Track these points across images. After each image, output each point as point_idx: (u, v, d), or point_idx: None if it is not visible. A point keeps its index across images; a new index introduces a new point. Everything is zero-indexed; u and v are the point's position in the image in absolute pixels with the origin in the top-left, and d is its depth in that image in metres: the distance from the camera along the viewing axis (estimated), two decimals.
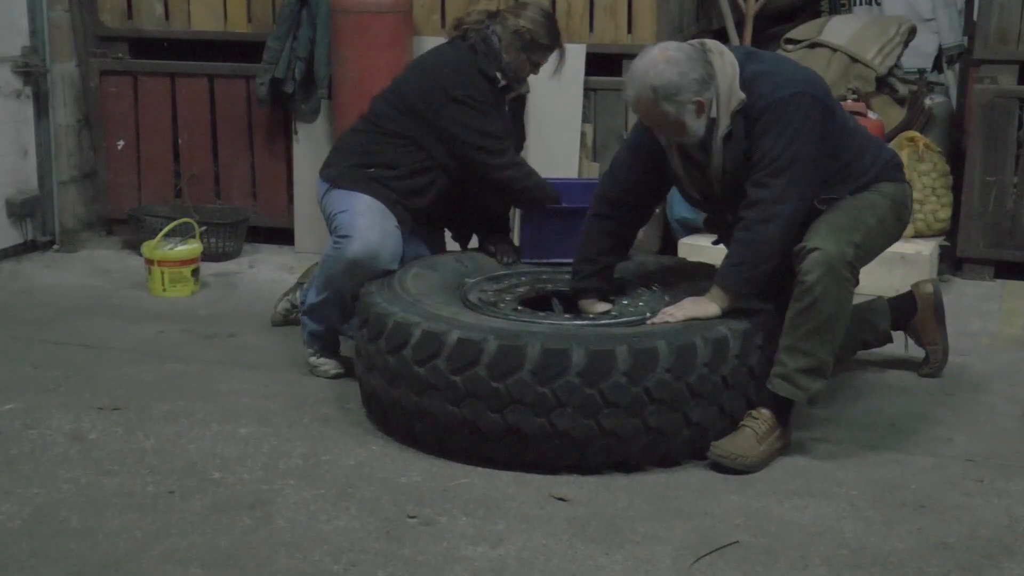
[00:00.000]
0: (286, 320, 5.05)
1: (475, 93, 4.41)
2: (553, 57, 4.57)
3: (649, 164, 4.11)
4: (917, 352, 4.65)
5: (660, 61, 3.81)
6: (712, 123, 3.86)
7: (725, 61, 3.86)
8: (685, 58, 3.82)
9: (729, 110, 3.84)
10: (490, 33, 4.46)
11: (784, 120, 3.77)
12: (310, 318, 4.51)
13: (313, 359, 4.54)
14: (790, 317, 3.82)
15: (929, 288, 4.59)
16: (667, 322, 3.84)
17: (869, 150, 4.05)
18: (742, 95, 3.82)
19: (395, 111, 4.49)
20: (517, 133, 4.72)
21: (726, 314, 3.87)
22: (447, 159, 4.46)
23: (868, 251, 3.97)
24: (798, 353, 3.81)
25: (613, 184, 4.19)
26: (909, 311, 4.58)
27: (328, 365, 4.52)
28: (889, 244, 4.17)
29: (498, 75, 4.46)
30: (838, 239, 3.80)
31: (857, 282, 3.89)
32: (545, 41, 4.50)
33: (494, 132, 4.45)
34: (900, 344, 4.65)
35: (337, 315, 4.47)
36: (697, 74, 3.81)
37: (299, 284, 5.07)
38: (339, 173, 4.50)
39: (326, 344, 4.54)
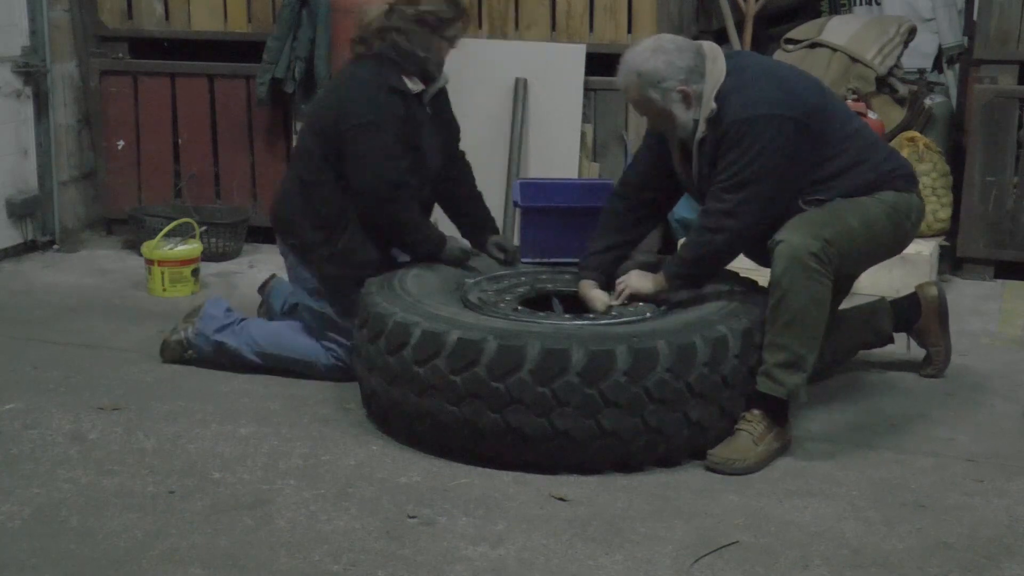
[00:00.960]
0: (182, 358, 4.63)
1: (378, 112, 4.23)
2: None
3: (660, 158, 4.18)
4: (918, 352, 4.65)
5: (649, 49, 3.94)
6: (695, 124, 3.95)
7: (717, 67, 3.93)
8: (675, 48, 3.93)
9: (704, 116, 3.92)
10: (396, 35, 4.28)
11: (746, 141, 3.84)
12: (219, 353, 4.54)
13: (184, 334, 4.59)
14: (767, 314, 3.86)
15: (933, 291, 4.58)
16: (624, 298, 4.10)
17: (870, 159, 4.03)
18: (714, 105, 3.89)
19: (314, 142, 4.34)
20: (447, 130, 4.55)
21: (726, 315, 3.88)
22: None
23: (846, 250, 3.90)
24: (774, 348, 3.83)
25: (631, 173, 4.33)
26: (913, 314, 4.56)
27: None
28: (883, 252, 4.15)
29: (408, 84, 4.29)
30: (804, 232, 3.84)
31: (829, 275, 3.84)
32: (450, 14, 4.30)
33: (389, 153, 4.24)
34: (901, 344, 4.66)
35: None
36: (684, 63, 3.90)
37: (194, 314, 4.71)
38: (319, 259, 4.37)
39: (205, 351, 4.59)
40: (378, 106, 4.24)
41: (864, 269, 4.35)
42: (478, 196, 4.70)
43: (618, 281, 4.15)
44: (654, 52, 3.91)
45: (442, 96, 4.52)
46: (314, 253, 4.38)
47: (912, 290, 4.65)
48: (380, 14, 4.34)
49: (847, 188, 3.98)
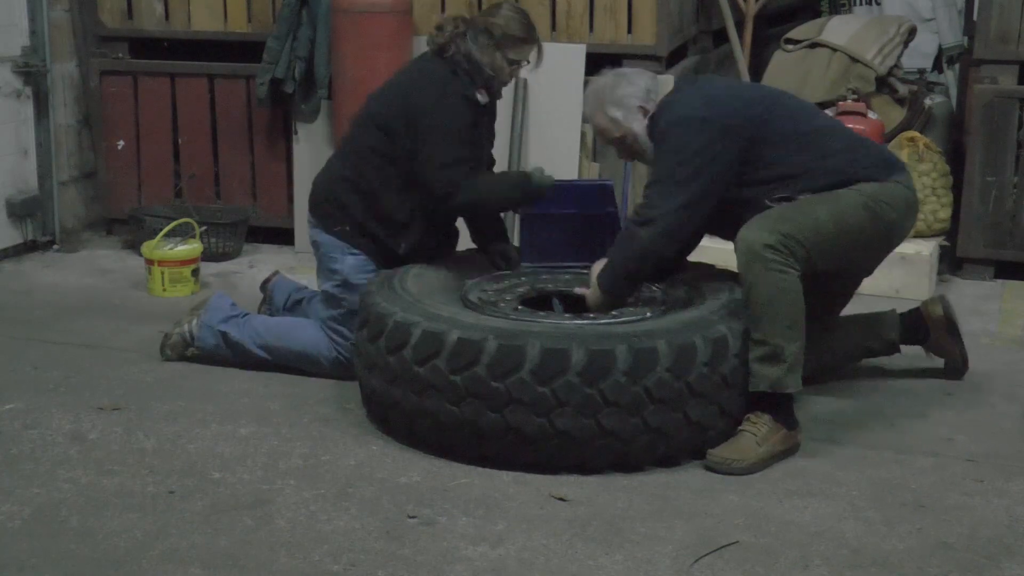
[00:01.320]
0: (184, 355, 4.66)
1: (449, 114, 4.27)
2: (532, 54, 4.47)
3: None
4: (930, 355, 4.63)
5: (610, 75, 4.23)
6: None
7: (664, 91, 4.16)
8: (634, 72, 4.27)
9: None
10: (469, 43, 4.33)
11: (665, 143, 4.04)
12: (223, 345, 4.57)
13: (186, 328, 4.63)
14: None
15: (939, 311, 4.52)
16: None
17: (836, 154, 4.03)
18: (647, 122, 4.11)
19: (376, 139, 4.37)
20: (491, 141, 4.61)
21: (726, 315, 3.88)
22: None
23: (812, 242, 3.89)
24: (753, 344, 3.85)
25: None
26: (921, 333, 4.53)
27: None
28: (862, 241, 4.06)
29: (478, 96, 4.35)
30: (760, 226, 3.89)
31: (792, 265, 3.84)
32: (519, 34, 4.36)
33: (456, 154, 4.27)
34: (906, 348, 4.62)
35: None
36: (643, 83, 4.17)
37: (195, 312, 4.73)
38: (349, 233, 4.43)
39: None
40: (453, 112, 4.27)
41: (854, 266, 4.26)
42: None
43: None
44: (615, 76, 4.20)
45: (493, 107, 4.58)
46: (374, 244, 4.41)
47: (917, 305, 4.59)
48: (456, 19, 4.40)
49: (815, 184, 3.99)
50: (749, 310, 3.86)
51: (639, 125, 4.11)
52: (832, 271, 4.09)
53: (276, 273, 5.07)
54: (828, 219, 3.93)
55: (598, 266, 4.15)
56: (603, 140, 4.35)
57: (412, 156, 4.30)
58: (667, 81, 4.25)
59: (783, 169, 4.00)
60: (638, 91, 4.13)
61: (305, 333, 4.50)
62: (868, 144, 4.23)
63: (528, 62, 4.46)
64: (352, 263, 4.42)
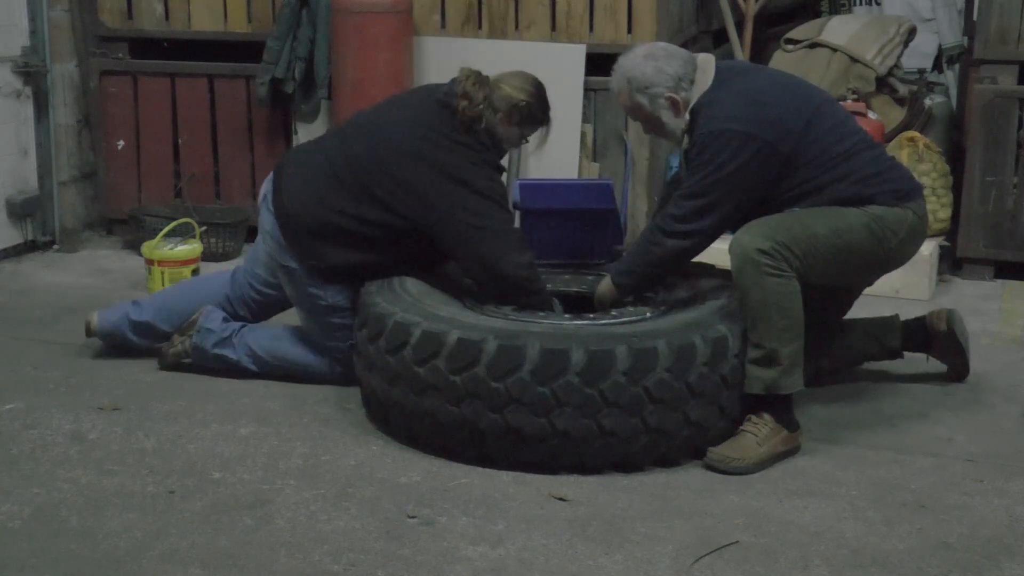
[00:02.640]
0: (177, 364, 4.56)
1: (497, 186, 4.16)
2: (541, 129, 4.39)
3: None
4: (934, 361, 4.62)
5: (641, 55, 4.04)
6: (683, 134, 4.05)
7: (704, 79, 4.02)
8: (665, 55, 4.03)
9: (683, 128, 4.04)
10: (489, 113, 4.16)
11: (708, 153, 3.91)
12: (218, 365, 4.50)
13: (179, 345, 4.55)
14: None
15: (943, 327, 4.47)
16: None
17: (857, 174, 3.98)
18: (687, 117, 4.00)
19: (384, 196, 4.13)
20: None
21: (726, 315, 3.89)
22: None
23: (806, 253, 3.86)
24: (749, 346, 3.84)
25: (671, 183, 4.49)
26: (923, 342, 4.52)
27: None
28: (859, 261, 4.03)
29: (502, 161, 4.32)
30: (755, 232, 3.87)
31: (785, 270, 3.81)
32: (540, 116, 4.29)
33: (516, 232, 4.16)
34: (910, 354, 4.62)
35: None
36: (673, 71, 3.99)
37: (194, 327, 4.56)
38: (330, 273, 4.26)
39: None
40: (492, 179, 4.16)
41: (850, 281, 4.26)
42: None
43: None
44: (645, 58, 4.01)
45: None
46: (341, 279, 4.27)
47: (923, 315, 4.56)
48: (477, 82, 4.19)
49: (823, 200, 3.96)
50: (744, 313, 3.86)
51: (666, 114, 4.02)
52: (825, 286, 4.07)
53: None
54: (826, 235, 3.91)
55: (600, 286, 4.16)
56: (628, 114, 4.25)
57: (450, 239, 4.12)
58: (707, 63, 4.04)
59: (805, 188, 3.96)
60: (667, 80, 3.98)
61: (301, 349, 4.44)
62: (893, 167, 4.14)
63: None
64: (335, 289, 4.27)
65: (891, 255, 4.09)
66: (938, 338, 4.49)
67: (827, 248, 3.92)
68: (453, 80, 4.24)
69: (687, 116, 4.00)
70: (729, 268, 4.20)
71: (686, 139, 4.04)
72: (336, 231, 4.21)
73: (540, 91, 4.28)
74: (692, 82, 4.00)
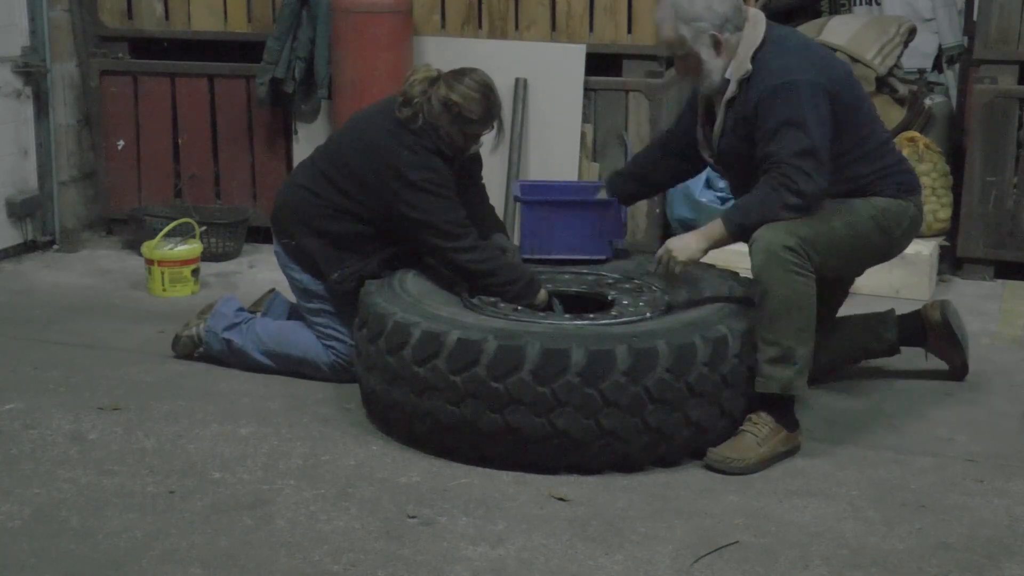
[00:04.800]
0: (192, 355, 4.68)
1: (434, 177, 4.19)
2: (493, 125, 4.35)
3: (691, 118, 4.28)
4: (933, 360, 4.61)
5: None
6: (725, 83, 3.95)
7: (756, 29, 3.94)
8: None
9: (737, 76, 3.92)
10: (430, 110, 4.20)
11: (790, 97, 3.82)
12: (227, 351, 4.58)
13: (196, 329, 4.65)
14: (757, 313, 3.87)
15: (937, 316, 4.49)
16: (662, 266, 4.04)
17: (871, 159, 4.02)
18: (749, 66, 3.90)
19: (345, 184, 4.31)
20: (469, 195, 4.44)
21: (726, 315, 3.89)
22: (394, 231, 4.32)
23: (825, 249, 3.87)
24: (764, 344, 3.83)
25: (678, 126, 4.46)
26: (918, 335, 4.53)
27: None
28: (865, 253, 4.09)
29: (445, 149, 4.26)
30: (779, 229, 3.83)
31: (808, 268, 3.82)
32: (475, 117, 4.20)
33: (454, 219, 4.19)
34: (906, 349, 4.61)
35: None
36: (723, 10, 3.92)
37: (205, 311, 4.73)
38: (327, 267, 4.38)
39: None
40: (430, 164, 4.20)
41: (851, 273, 4.33)
42: (482, 194, 4.60)
43: (658, 254, 4.07)
44: None
45: (472, 162, 4.47)
46: (311, 262, 4.41)
47: (918, 308, 4.58)
48: (426, 79, 4.25)
49: (843, 188, 3.97)
50: (763, 310, 3.83)
51: (706, 52, 3.92)
52: (830, 278, 4.09)
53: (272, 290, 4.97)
54: (842, 230, 3.93)
55: (681, 245, 4.00)
56: (665, 50, 4.14)
57: (401, 218, 4.22)
58: (758, 16, 3.96)
59: (838, 164, 3.92)
60: (715, 17, 3.89)
61: (303, 337, 4.50)
62: (901, 160, 4.18)
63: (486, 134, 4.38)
64: (308, 275, 4.45)
65: (892, 246, 4.15)
66: (933, 329, 4.50)
67: (843, 243, 3.94)
68: None
69: (750, 66, 3.88)
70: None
71: (732, 88, 3.92)
72: (307, 211, 4.39)
73: (484, 91, 4.22)
74: (739, 27, 3.92)
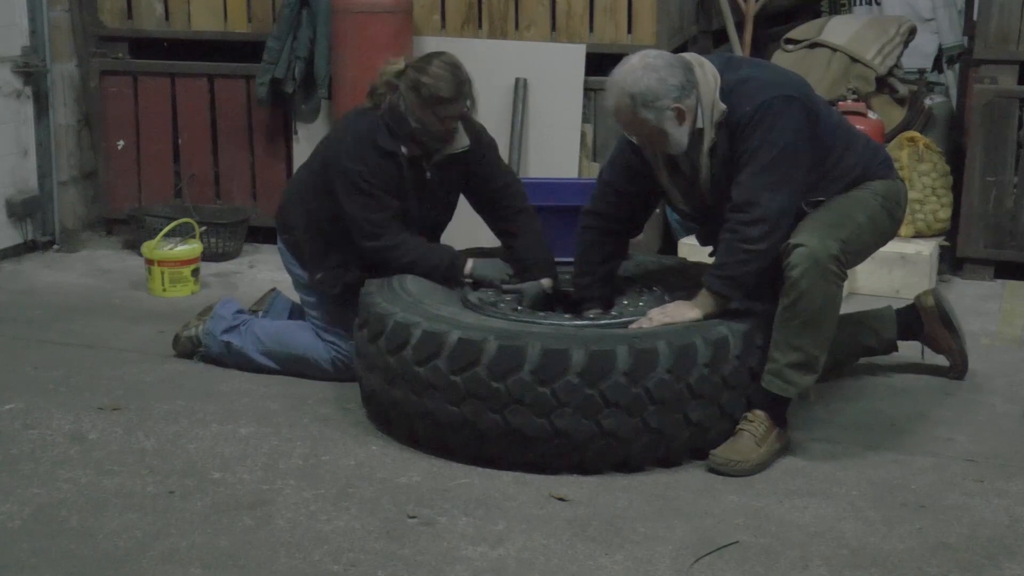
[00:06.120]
0: (191, 354, 4.70)
1: (364, 172, 4.22)
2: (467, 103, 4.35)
3: (635, 180, 4.13)
4: (931, 357, 4.61)
5: (638, 68, 3.83)
6: (698, 135, 3.87)
7: (706, 73, 3.87)
8: (664, 64, 3.83)
9: (713, 122, 3.85)
10: (397, 98, 4.24)
11: (766, 123, 3.78)
12: (227, 354, 4.59)
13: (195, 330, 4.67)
14: (779, 313, 3.82)
15: (930, 301, 4.52)
16: (642, 327, 3.86)
17: (854, 148, 4.03)
18: (723, 106, 3.84)
19: (327, 179, 4.37)
20: (447, 191, 4.45)
21: (724, 314, 3.88)
22: None
23: (858, 248, 3.94)
24: (788, 348, 3.81)
25: (600, 199, 4.21)
26: (916, 325, 4.53)
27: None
28: (883, 241, 4.16)
29: (403, 149, 4.25)
30: (823, 234, 3.80)
31: (845, 276, 3.85)
32: (447, 95, 4.18)
33: (373, 219, 4.24)
34: (905, 347, 4.61)
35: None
36: (676, 80, 3.82)
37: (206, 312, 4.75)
38: (316, 266, 4.44)
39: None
40: (365, 158, 4.24)
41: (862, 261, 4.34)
42: (534, 241, 4.46)
43: (648, 315, 3.94)
44: (644, 70, 3.81)
45: (457, 160, 4.38)
46: (307, 257, 4.46)
47: (911, 300, 4.60)
48: (394, 71, 4.30)
49: (839, 184, 3.97)
50: (793, 315, 3.77)
51: (671, 124, 3.83)
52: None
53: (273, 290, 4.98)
54: (867, 224, 3.95)
55: (673, 310, 3.90)
56: (626, 130, 4.01)
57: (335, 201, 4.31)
58: (697, 59, 3.90)
59: (822, 168, 3.90)
60: (671, 90, 3.79)
61: (302, 337, 4.50)
62: (869, 141, 4.22)
63: (463, 113, 4.34)
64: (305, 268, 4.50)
65: (895, 228, 4.18)
66: (928, 314, 4.52)
67: (868, 238, 3.98)
68: None
69: (723, 106, 3.82)
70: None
71: (711, 136, 3.85)
72: (303, 206, 4.44)
73: (452, 70, 4.22)
74: (694, 86, 3.84)
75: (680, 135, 3.86)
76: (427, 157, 4.32)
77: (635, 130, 3.92)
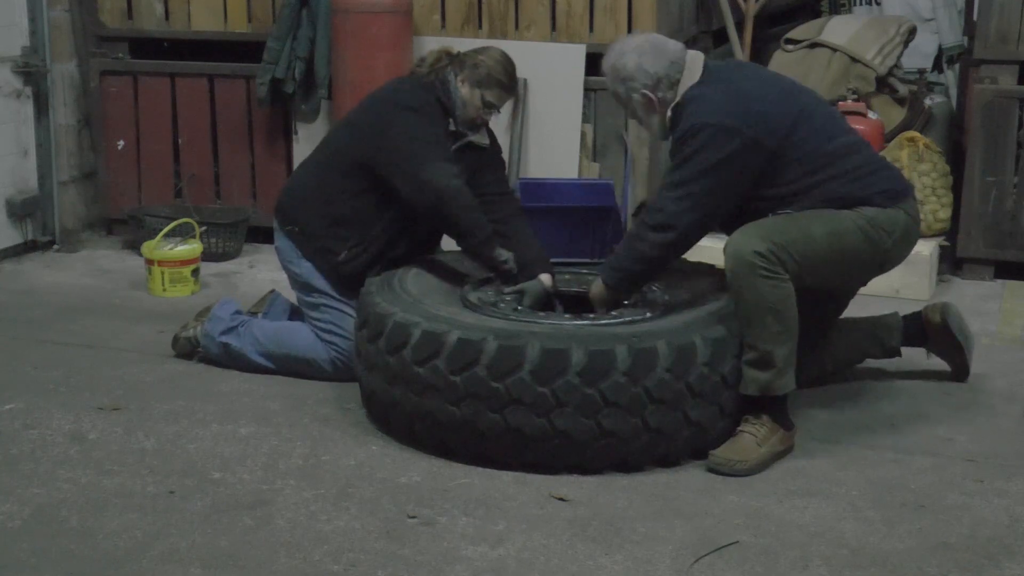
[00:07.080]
0: (191, 355, 4.69)
1: (425, 106, 4.29)
2: (508, 103, 4.48)
3: None
4: (934, 359, 4.60)
5: (631, 46, 4.01)
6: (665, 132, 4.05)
7: (689, 78, 3.97)
8: (653, 51, 3.97)
9: (671, 106, 3.99)
10: (448, 73, 4.35)
11: (689, 145, 3.87)
12: (225, 355, 4.58)
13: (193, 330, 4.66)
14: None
15: (937, 318, 4.47)
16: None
17: (848, 175, 3.96)
18: (669, 113, 3.98)
19: (337, 160, 4.41)
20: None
21: (726, 315, 3.88)
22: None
23: (802, 256, 3.84)
24: (745, 346, 3.83)
25: None
26: (919, 335, 4.51)
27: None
28: (854, 264, 4.02)
29: (450, 120, 4.34)
30: (750, 234, 3.84)
31: (780, 273, 3.79)
32: (501, 79, 4.34)
33: (432, 138, 4.25)
34: (907, 348, 4.60)
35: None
36: (655, 70, 3.94)
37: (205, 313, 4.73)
38: (313, 250, 4.45)
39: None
40: (425, 100, 4.32)
41: (842, 284, 4.22)
42: (529, 241, 4.45)
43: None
44: (633, 50, 3.98)
45: (472, 152, 4.43)
46: (317, 246, 4.44)
47: (920, 309, 4.56)
48: (439, 52, 4.41)
49: (817, 202, 3.93)
50: (738, 314, 3.83)
51: (641, 109, 4.02)
52: (820, 288, 4.05)
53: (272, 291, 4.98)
54: (822, 238, 3.89)
55: (593, 290, 4.12)
56: (613, 97, 4.21)
57: (384, 146, 4.29)
58: (695, 61, 3.99)
59: (794, 187, 3.93)
60: (646, 77, 3.94)
61: (303, 338, 4.49)
62: (884, 167, 4.12)
63: (499, 111, 4.46)
64: (308, 266, 4.46)
65: (887, 257, 4.08)
66: (933, 331, 4.49)
67: (823, 251, 3.90)
68: None
69: (670, 113, 3.96)
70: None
71: (671, 115, 4.00)
72: (304, 183, 4.51)
73: (506, 60, 4.38)
74: (676, 83, 3.96)
75: (651, 123, 4.05)
76: (452, 139, 4.37)
77: (618, 101, 4.13)
